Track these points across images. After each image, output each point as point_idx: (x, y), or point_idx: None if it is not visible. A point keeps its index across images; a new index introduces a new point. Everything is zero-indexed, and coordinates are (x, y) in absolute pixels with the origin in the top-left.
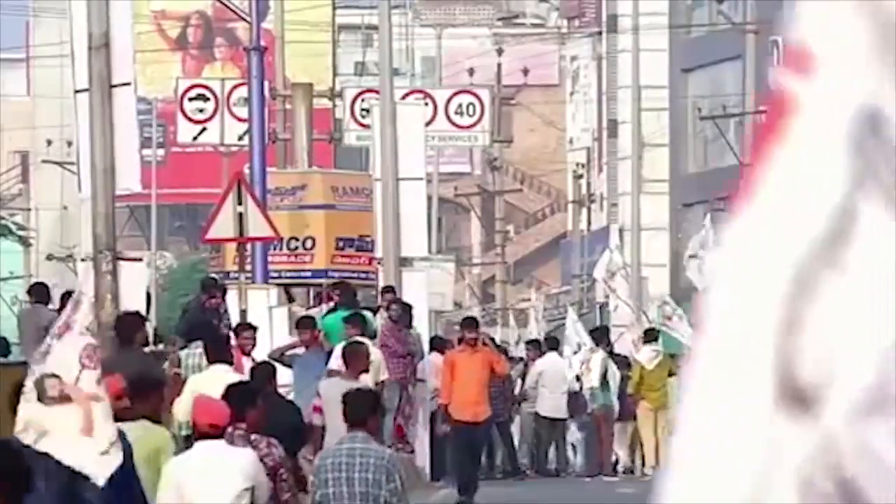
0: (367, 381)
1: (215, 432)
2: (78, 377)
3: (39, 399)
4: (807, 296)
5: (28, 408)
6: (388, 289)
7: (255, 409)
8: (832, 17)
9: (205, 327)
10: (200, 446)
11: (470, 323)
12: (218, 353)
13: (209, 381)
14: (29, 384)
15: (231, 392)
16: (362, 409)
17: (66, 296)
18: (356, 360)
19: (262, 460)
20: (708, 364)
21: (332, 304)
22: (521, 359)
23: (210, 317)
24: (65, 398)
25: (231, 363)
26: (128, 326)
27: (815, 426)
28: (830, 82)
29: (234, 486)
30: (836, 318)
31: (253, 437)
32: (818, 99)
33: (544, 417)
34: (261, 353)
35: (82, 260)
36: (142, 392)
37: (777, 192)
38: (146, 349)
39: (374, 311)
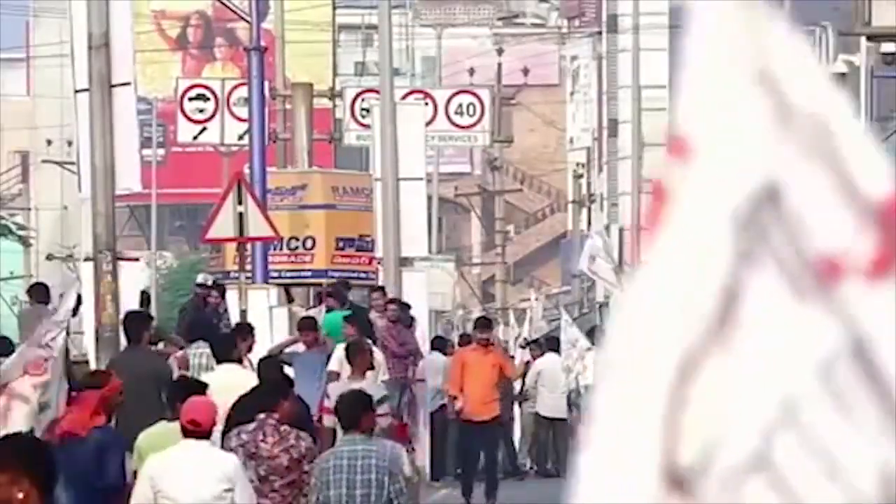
0: (371, 379)
1: (198, 430)
2: (19, 378)
3: None
4: (692, 377)
5: None
6: (378, 289)
7: (287, 400)
8: (717, 101)
9: (204, 327)
10: (183, 444)
11: (484, 323)
12: (225, 352)
13: (219, 379)
14: None
15: (267, 383)
16: (354, 410)
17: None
18: (360, 358)
19: (287, 451)
20: (600, 437)
21: (323, 306)
22: (513, 357)
23: (210, 316)
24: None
25: (239, 361)
26: (135, 325)
27: None
28: (714, 163)
29: (216, 486)
30: (721, 398)
31: (283, 427)
32: (699, 182)
33: (544, 417)
34: (260, 353)
35: (86, 259)
36: (186, 398)
37: (663, 275)
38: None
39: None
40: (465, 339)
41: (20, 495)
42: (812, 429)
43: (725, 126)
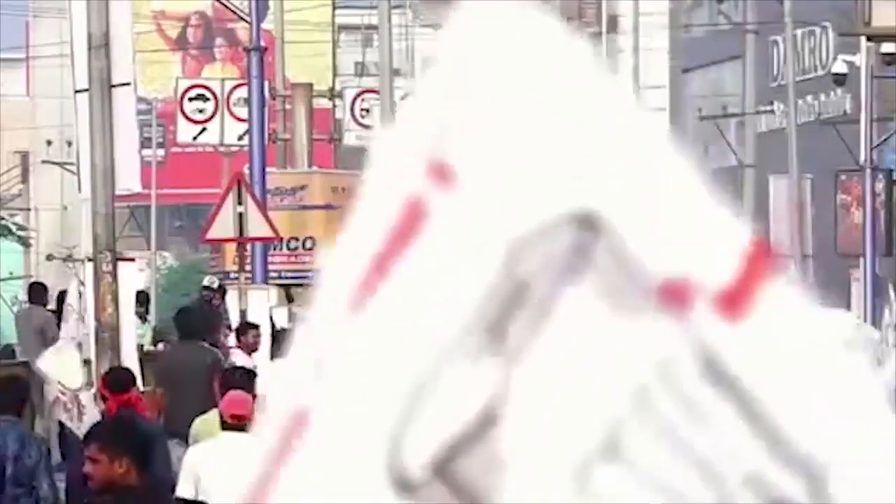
0: None
1: (238, 423)
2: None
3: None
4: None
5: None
6: None
7: None
8: (487, 125)
9: (205, 329)
10: (225, 436)
11: None
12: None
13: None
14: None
15: None
16: None
17: (63, 295)
18: None
19: None
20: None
21: None
22: None
23: (213, 316)
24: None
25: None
26: (190, 320)
27: None
28: (489, 194)
29: None
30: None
31: None
32: (457, 209)
33: None
34: (262, 352)
35: (89, 260)
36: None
37: (402, 298)
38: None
39: None
40: None
41: (120, 471)
42: (664, 423)
43: (501, 157)
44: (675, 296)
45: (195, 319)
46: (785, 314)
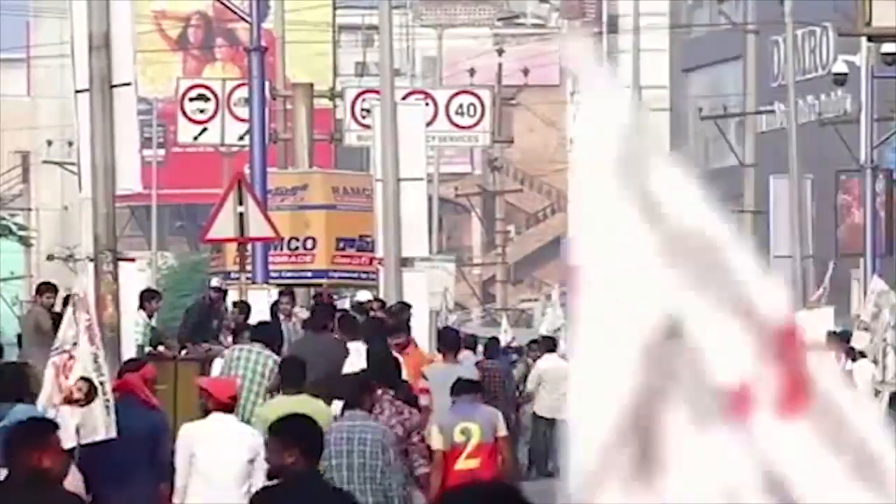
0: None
1: (223, 405)
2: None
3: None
4: None
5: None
6: (288, 293)
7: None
8: (606, 234)
9: (207, 329)
10: (213, 417)
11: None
12: (350, 333)
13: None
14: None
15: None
16: (354, 392)
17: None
18: (452, 344)
19: (402, 423)
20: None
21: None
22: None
23: (212, 318)
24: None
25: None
26: (321, 315)
27: None
28: (612, 297)
29: (242, 455)
30: None
31: (397, 402)
32: (600, 314)
33: (541, 417)
34: None
35: (90, 260)
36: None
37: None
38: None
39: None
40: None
41: (290, 460)
42: None
43: (617, 261)
44: (738, 406)
45: (324, 313)
46: (836, 404)
